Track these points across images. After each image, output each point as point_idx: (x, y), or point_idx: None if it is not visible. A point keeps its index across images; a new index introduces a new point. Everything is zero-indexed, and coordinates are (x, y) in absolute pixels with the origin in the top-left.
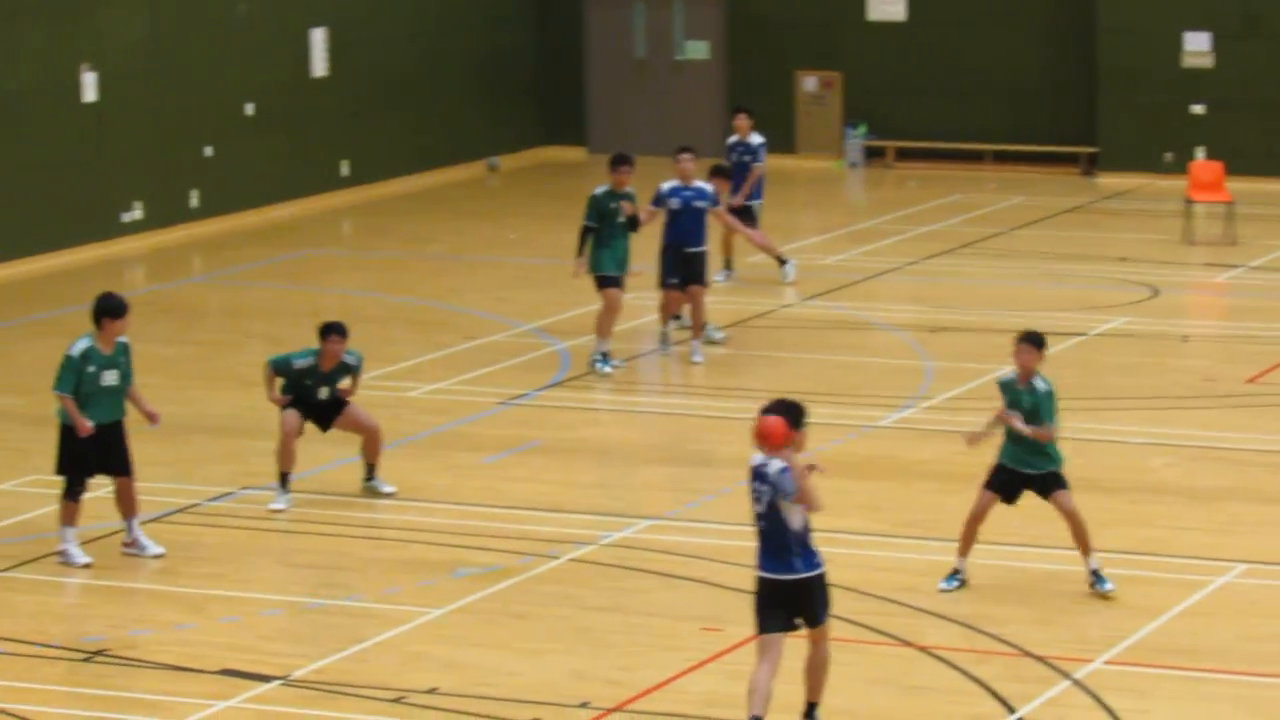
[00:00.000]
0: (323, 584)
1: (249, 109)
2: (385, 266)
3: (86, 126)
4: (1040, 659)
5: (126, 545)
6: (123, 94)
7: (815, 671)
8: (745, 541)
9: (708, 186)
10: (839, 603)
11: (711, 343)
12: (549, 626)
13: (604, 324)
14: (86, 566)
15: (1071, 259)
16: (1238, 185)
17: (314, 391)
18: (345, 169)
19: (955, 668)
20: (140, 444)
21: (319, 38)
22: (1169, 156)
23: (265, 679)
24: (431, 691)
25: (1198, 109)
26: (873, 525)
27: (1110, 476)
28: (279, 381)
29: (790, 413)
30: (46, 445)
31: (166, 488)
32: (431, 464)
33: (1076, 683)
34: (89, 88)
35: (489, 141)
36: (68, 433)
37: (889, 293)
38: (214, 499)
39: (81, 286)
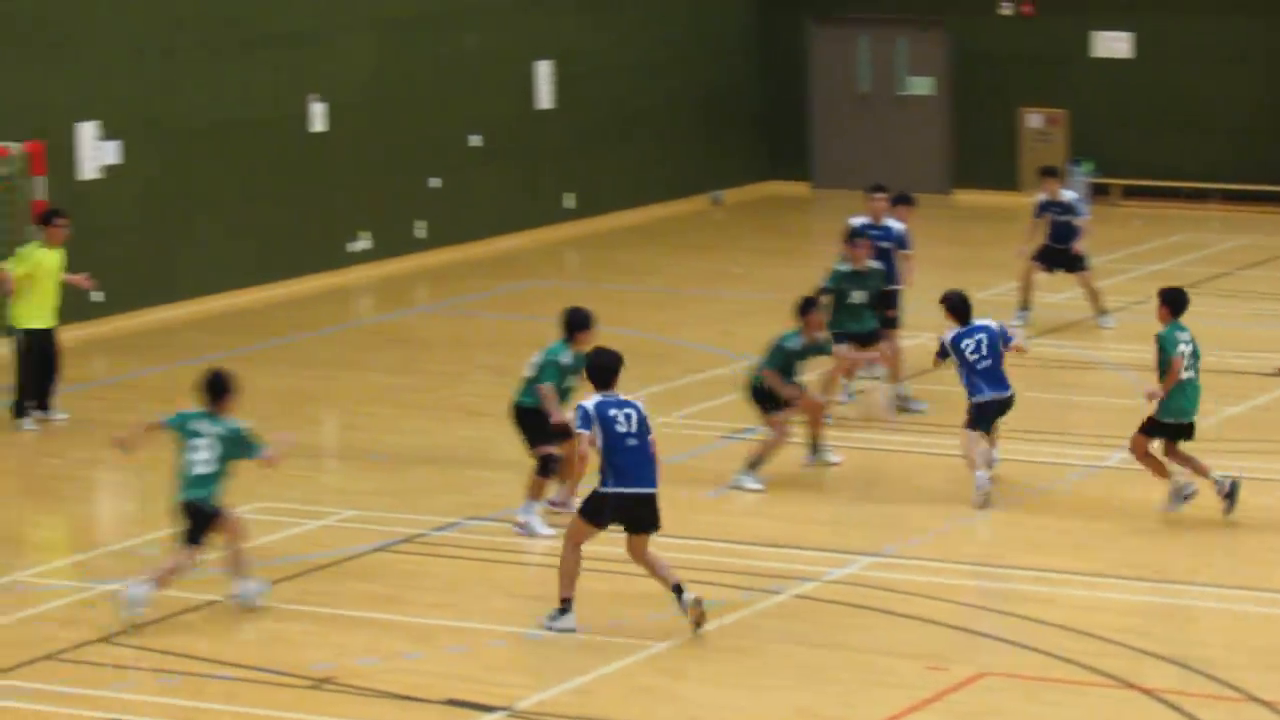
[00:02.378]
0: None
1: (475, 140)
2: (608, 299)
3: (314, 157)
4: (1268, 704)
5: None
6: (350, 125)
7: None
8: (968, 580)
9: (895, 225)
10: (1054, 640)
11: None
12: (772, 662)
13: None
14: (548, 537)
15: None
16: None
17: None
18: (570, 201)
19: (1178, 710)
20: (365, 474)
21: (545, 70)
22: None
23: (489, 709)
24: None
25: None
26: (1088, 565)
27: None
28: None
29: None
30: (275, 473)
31: (392, 517)
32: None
33: None
34: (317, 118)
35: (713, 175)
36: (536, 415)
37: (1113, 331)
38: (439, 529)
39: (309, 315)
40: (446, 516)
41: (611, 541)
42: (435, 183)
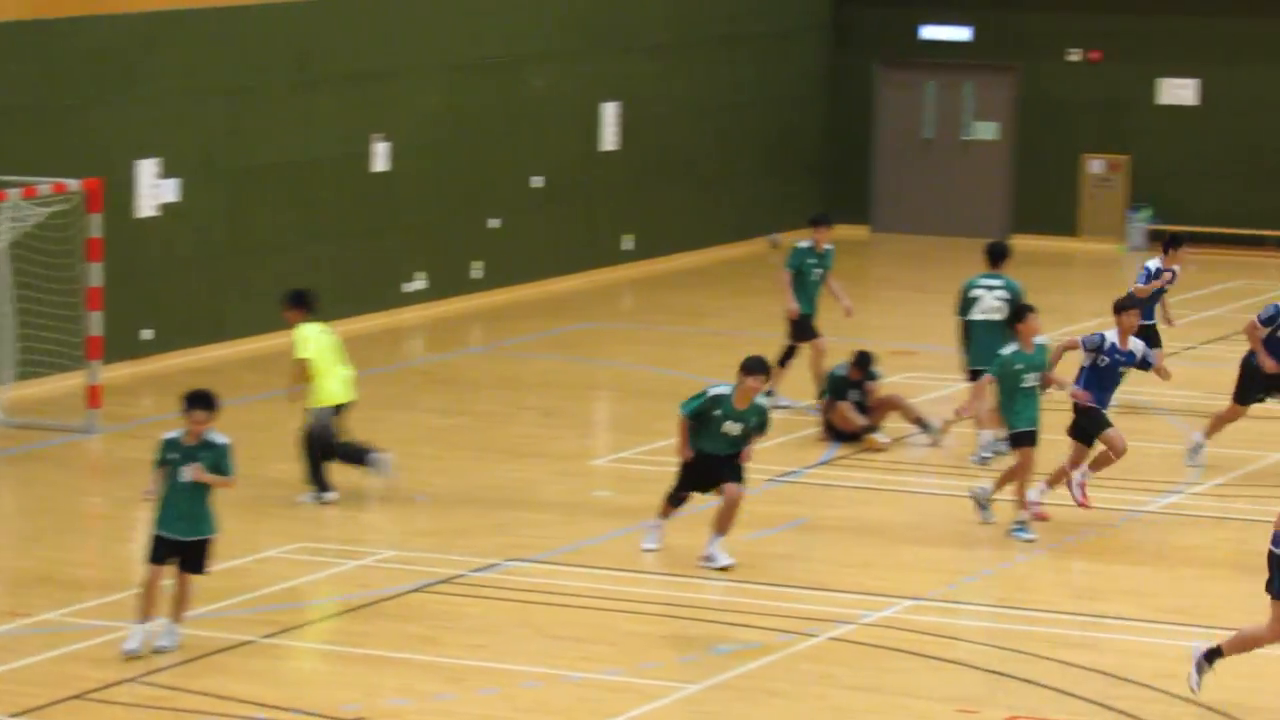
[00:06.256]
0: (582, 657)
1: (536, 181)
2: (662, 341)
3: (375, 196)
4: None
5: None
6: (413, 164)
7: None
8: (1008, 625)
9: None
10: (1094, 686)
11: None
12: (805, 705)
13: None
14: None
15: None
16: None
17: (719, 425)
18: (628, 243)
19: None
20: (408, 515)
21: (610, 112)
22: None
23: None
24: None
25: None
26: (1136, 611)
27: None
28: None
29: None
30: (313, 511)
31: (430, 557)
32: (698, 540)
33: None
34: (380, 158)
35: (771, 218)
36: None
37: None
38: (478, 570)
39: (360, 355)
40: (486, 558)
41: (648, 584)
42: (494, 223)
